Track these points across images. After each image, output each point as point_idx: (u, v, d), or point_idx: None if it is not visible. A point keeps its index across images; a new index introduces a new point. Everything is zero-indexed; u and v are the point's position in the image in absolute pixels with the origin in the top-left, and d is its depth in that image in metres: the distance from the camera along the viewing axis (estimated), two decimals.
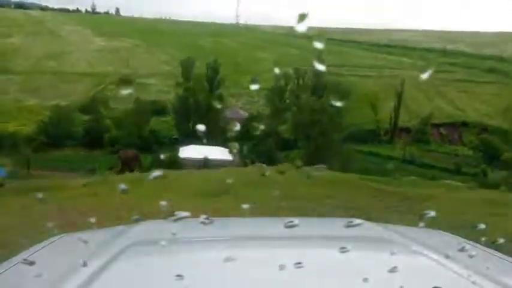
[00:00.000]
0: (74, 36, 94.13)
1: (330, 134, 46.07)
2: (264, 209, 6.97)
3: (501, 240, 1.44)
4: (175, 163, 49.70)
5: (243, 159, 55.41)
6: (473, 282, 1.12)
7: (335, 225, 1.72)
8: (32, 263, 1.26)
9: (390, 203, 10.86)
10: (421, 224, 1.39)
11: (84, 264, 1.19)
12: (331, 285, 1.11)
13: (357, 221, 1.25)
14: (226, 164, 49.86)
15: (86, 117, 59.78)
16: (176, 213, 1.13)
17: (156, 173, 1.31)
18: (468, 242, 1.59)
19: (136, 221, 1.68)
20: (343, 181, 14.68)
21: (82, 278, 1.12)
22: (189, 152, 51.21)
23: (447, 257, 1.28)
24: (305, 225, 1.34)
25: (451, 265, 1.24)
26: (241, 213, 1.59)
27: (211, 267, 1.18)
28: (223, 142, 53.17)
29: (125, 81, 71.79)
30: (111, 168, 51.27)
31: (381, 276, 1.10)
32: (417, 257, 1.33)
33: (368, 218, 1.73)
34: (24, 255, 1.47)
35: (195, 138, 63.39)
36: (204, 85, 62.55)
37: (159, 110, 65.58)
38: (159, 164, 51.88)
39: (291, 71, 61.45)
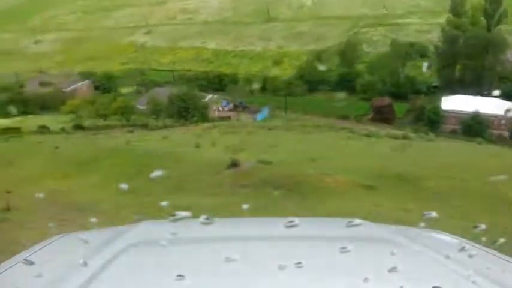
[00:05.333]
0: None
1: None
2: None
3: (501, 240, 1.42)
4: (437, 116, 42.94)
5: None
6: (473, 282, 1.12)
7: (335, 225, 1.68)
8: (32, 263, 1.28)
9: None
10: (421, 224, 1.42)
11: (84, 264, 1.19)
12: (331, 285, 1.12)
13: (357, 221, 1.27)
14: (506, 119, 39.55)
15: (340, 62, 58.60)
16: (176, 213, 1.13)
17: (157, 173, 1.32)
18: (468, 242, 1.53)
19: (137, 221, 1.68)
20: None
21: (82, 278, 1.13)
22: (455, 103, 43.02)
23: (447, 257, 1.28)
24: (305, 225, 1.37)
25: (451, 265, 1.24)
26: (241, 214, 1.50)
27: (212, 267, 1.18)
28: (501, 92, 42.28)
29: (380, 23, 66.16)
30: (363, 115, 49.12)
31: (381, 276, 1.10)
32: (417, 257, 1.34)
33: None
34: (24, 255, 1.45)
35: (460, 87, 53.80)
36: (480, 21, 50.58)
37: (417, 52, 57.99)
38: (415, 116, 46.38)
39: None
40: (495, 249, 1.47)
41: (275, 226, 1.47)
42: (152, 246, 1.37)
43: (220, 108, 50.89)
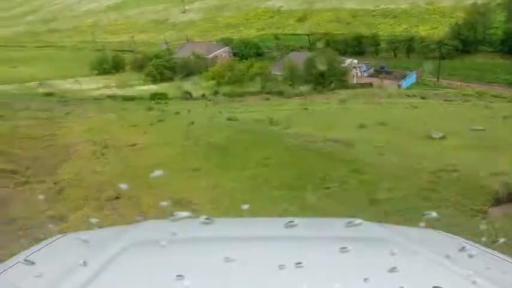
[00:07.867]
0: None
1: None
2: None
3: (501, 240, 1.42)
4: None
5: None
6: (473, 282, 1.12)
7: (335, 225, 1.68)
8: (32, 263, 1.30)
9: None
10: (421, 224, 1.44)
11: (84, 264, 1.21)
12: (331, 285, 1.10)
13: (357, 221, 1.28)
14: None
15: (507, 18, 48.40)
16: (176, 213, 1.15)
17: (157, 173, 1.28)
18: (468, 242, 1.54)
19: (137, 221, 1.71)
20: None
21: (82, 278, 1.14)
22: None
23: (447, 257, 1.29)
24: (305, 225, 1.39)
25: (451, 265, 1.25)
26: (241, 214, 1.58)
27: (212, 267, 1.19)
28: None
29: None
30: None
31: (381, 276, 1.11)
32: (417, 257, 1.34)
33: None
34: (24, 255, 1.48)
35: None
36: None
37: None
38: None
39: None
40: (495, 249, 1.44)
41: (275, 226, 1.48)
42: (152, 246, 1.34)
43: (359, 74, 47.14)
